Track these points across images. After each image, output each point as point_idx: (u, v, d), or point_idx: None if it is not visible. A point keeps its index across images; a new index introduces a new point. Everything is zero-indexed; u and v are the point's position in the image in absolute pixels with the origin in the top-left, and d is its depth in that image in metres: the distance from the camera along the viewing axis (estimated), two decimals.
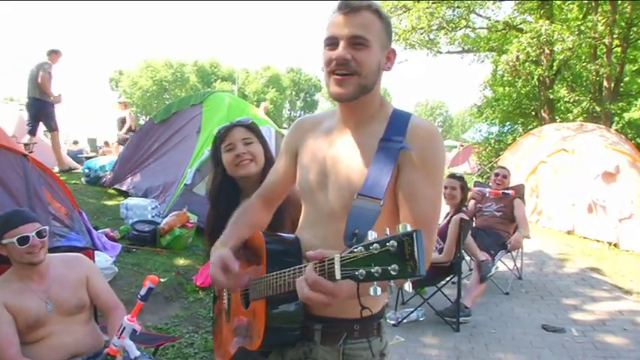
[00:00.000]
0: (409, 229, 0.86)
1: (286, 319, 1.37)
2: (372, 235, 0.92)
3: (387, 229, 0.89)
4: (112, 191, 7.34)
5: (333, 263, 0.97)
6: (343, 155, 1.34)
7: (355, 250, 0.92)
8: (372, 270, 0.88)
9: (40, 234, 2.11)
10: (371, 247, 0.89)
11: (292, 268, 1.16)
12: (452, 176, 4.56)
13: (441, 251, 4.16)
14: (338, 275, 0.95)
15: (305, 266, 1.09)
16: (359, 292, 1.01)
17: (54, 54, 7.76)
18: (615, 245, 6.93)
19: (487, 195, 5.26)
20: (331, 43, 1.28)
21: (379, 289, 0.90)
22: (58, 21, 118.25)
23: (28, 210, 2.31)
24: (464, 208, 4.41)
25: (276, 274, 1.23)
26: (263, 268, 1.34)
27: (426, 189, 1.26)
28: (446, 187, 4.34)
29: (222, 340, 1.66)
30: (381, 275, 0.87)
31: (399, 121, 1.32)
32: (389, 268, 0.85)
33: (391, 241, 0.86)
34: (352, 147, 1.34)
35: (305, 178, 1.43)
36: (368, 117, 1.35)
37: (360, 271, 0.89)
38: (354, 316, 1.24)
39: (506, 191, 5.16)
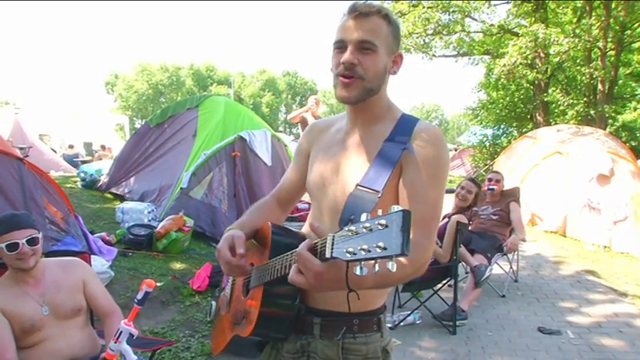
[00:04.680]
0: (397, 209, 0.86)
1: (281, 307, 1.37)
2: (364, 217, 0.92)
3: (380, 211, 0.90)
4: (108, 195, 7.32)
5: (326, 242, 0.98)
6: (348, 153, 1.39)
7: (346, 229, 0.93)
8: (359, 248, 0.88)
9: (31, 241, 2.08)
10: (361, 227, 0.90)
11: (290, 251, 1.18)
12: (471, 180, 4.63)
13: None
14: (328, 253, 0.96)
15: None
16: (347, 274, 1.01)
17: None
18: (610, 247, 6.96)
19: None
20: (340, 46, 1.31)
21: (365, 269, 0.90)
22: (53, 24, 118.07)
23: (26, 214, 2.27)
24: (466, 212, 4.45)
25: (275, 259, 1.25)
26: (266, 256, 1.36)
27: (427, 190, 1.28)
28: (462, 188, 4.47)
29: (220, 329, 1.67)
30: (368, 254, 0.87)
31: (405, 125, 1.35)
32: (375, 246, 0.86)
33: (380, 220, 0.87)
34: (358, 145, 1.38)
35: (313, 176, 1.47)
36: (374, 118, 1.39)
37: (349, 249, 0.90)
38: (353, 310, 1.26)
39: (490, 186, 5.25)
